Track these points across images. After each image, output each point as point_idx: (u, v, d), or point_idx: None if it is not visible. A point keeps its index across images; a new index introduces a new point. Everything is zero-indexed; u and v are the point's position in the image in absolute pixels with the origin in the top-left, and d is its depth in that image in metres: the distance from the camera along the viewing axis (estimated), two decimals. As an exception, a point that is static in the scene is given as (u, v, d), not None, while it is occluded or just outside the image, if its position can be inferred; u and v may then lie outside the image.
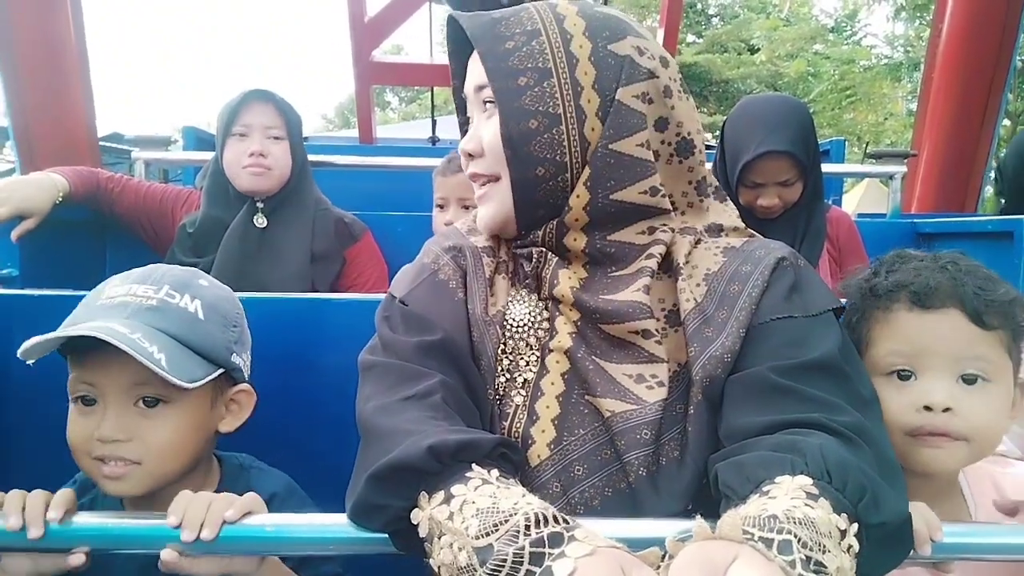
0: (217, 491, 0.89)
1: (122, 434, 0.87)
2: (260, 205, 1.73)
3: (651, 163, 0.81)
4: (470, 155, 0.86)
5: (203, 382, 0.88)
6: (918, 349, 0.85)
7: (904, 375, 0.86)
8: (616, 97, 0.80)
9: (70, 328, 0.85)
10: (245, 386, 0.99)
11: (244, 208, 1.72)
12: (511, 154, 0.80)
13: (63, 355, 0.91)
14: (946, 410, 0.82)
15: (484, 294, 0.84)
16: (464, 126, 0.92)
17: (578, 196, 0.80)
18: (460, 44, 0.89)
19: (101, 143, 3.14)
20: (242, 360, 0.98)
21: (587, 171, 0.80)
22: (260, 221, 1.72)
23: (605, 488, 0.75)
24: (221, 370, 0.92)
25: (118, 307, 0.89)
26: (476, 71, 0.84)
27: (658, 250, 0.82)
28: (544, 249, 0.84)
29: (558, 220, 0.82)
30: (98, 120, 3.12)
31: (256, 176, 1.70)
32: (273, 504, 0.84)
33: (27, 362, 0.85)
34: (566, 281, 0.82)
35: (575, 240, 0.82)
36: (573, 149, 0.80)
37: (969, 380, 0.84)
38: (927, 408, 0.83)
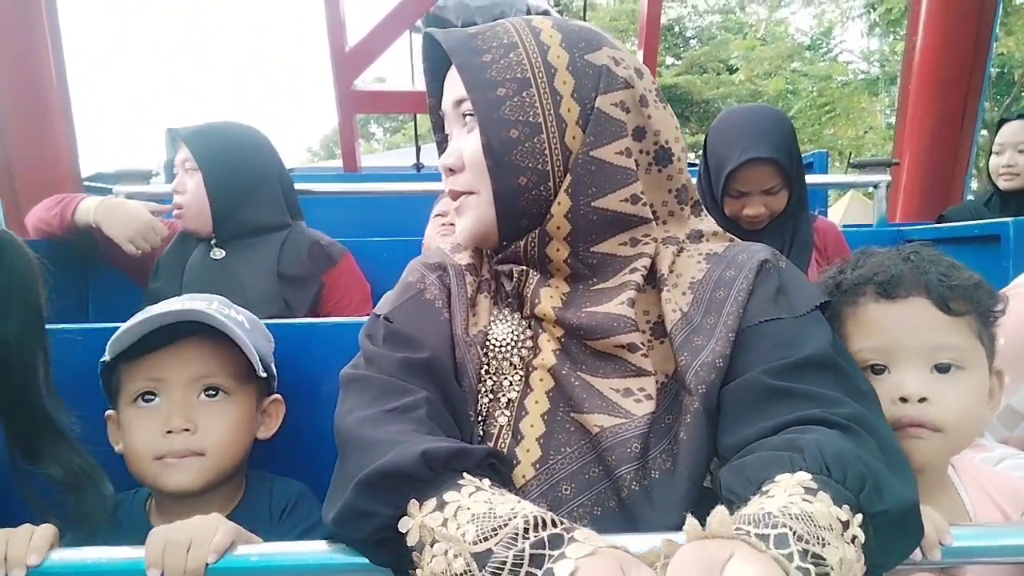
0: (243, 500, 1.03)
1: (188, 423, 0.96)
2: (213, 240, 1.68)
3: (632, 171, 0.81)
4: (451, 170, 0.86)
5: (264, 372, 1.01)
6: (888, 342, 0.85)
7: (878, 369, 0.86)
8: (596, 105, 0.80)
9: (174, 302, 1.00)
10: (277, 396, 1.09)
11: (201, 243, 1.69)
12: (492, 164, 0.80)
13: (109, 367, 1.00)
14: (922, 400, 0.82)
15: (465, 314, 0.84)
16: (442, 144, 0.91)
17: (559, 203, 0.80)
18: (437, 62, 0.89)
19: (86, 183, 3.11)
20: (275, 372, 1.09)
21: (568, 178, 0.80)
22: (217, 254, 1.67)
23: (594, 507, 0.74)
24: (265, 374, 1.03)
25: (177, 312, 0.99)
26: (454, 86, 0.84)
27: (642, 263, 0.82)
28: (525, 267, 0.84)
29: (540, 229, 0.81)
30: (84, 157, 3.12)
31: (179, 220, 1.69)
32: (289, 502, 1.02)
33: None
34: (548, 300, 0.82)
35: (557, 250, 0.82)
36: (555, 157, 0.80)
37: (942, 369, 0.84)
38: (903, 400, 0.83)
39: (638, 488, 0.74)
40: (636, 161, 0.82)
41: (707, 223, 0.89)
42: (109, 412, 1.03)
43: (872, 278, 0.87)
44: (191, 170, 1.67)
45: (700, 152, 1.84)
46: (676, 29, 20.34)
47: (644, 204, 0.82)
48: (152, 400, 0.98)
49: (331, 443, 0.74)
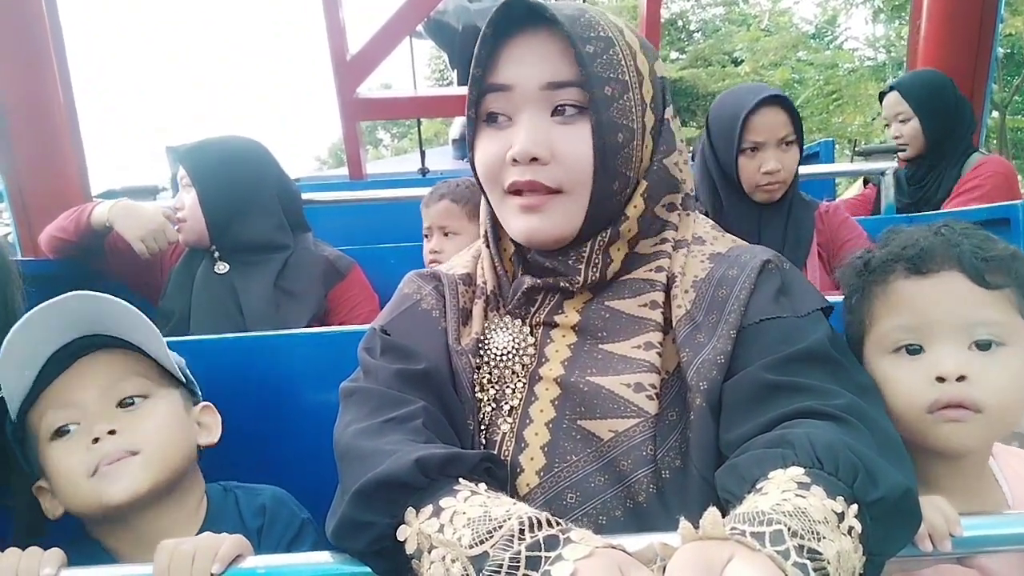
0: (207, 518, 0.95)
1: (115, 424, 0.89)
2: (216, 254, 1.71)
3: (681, 181, 0.85)
4: (534, 159, 0.78)
5: (178, 371, 0.98)
6: (922, 319, 0.80)
7: (912, 349, 0.81)
8: (664, 116, 0.82)
9: (70, 295, 0.89)
10: (206, 403, 1.04)
11: (205, 258, 1.71)
12: (600, 167, 0.77)
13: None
14: (961, 379, 0.77)
15: (457, 324, 0.84)
16: (473, 120, 0.83)
17: (635, 207, 0.81)
18: (498, 29, 0.80)
19: (96, 200, 3.14)
20: (193, 381, 1.04)
21: (644, 184, 0.81)
22: (221, 268, 1.70)
23: (599, 516, 0.73)
24: (182, 379, 1.00)
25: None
26: (547, 66, 0.78)
27: (664, 262, 0.83)
28: (562, 283, 0.82)
29: (613, 230, 0.81)
30: (97, 178, 3.14)
31: (179, 232, 1.72)
32: (264, 517, 0.94)
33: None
34: (570, 308, 0.83)
35: (619, 250, 0.83)
36: (636, 165, 0.80)
37: (982, 346, 0.78)
38: (940, 379, 0.78)
39: (655, 491, 0.74)
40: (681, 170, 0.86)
41: (704, 228, 0.91)
42: (36, 485, 0.94)
43: (901, 253, 0.83)
44: (187, 186, 1.71)
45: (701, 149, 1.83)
46: (679, 23, 20.28)
47: (677, 212, 0.86)
48: (69, 431, 0.90)
49: (327, 454, 0.75)
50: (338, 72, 3.33)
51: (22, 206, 2.91)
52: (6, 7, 2.56)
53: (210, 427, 1.03)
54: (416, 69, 4.18)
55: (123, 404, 0.93)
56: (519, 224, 0.81)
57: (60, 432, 0.90)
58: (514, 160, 0.78)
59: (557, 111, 0.79)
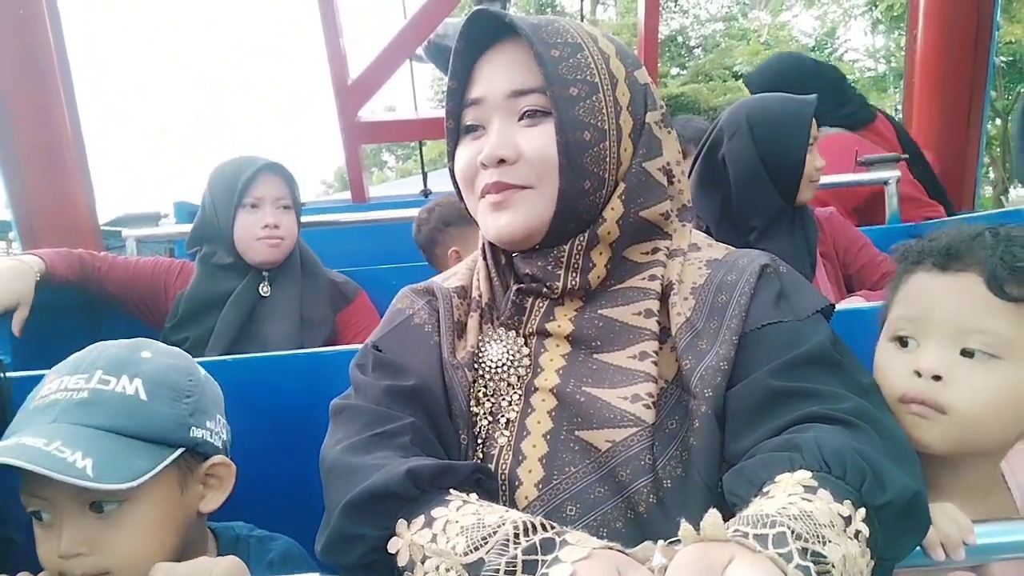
0: None
1: (82, 547, 0.80)
2: (266, 274, 1.73)
3: (666, 187, 0.85)
4: (502, 161, 0.81)
5: (151, 475, 0.80)
6: (921, 313, 0.81)
7: (904, 341, 0.83)
8: (646, 120, 0.83)
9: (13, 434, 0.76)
10: (219, 458, 0.92)
11: (249, 277, 1.72)
12: (566, 163, 0.78)
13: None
14: (937, 378, 0.78)
15: (452, 337, 0.84)
16: (454, 132, 0.87)
17: (613, 209, 0.81)
18: (470, 43, 0.85)
19: (105, 228, 3.17)
20: (207, 431, 0.90)
21: (622, 186, 0.81)
22: (265, 290, 1.72)
23: (600, 528, 0.72)
24: (179, 451, 0.85)
25: (47, 409, 0.82)
26: (513, 75, 0.82)
27: (658, 271, 0.83)
28: (544, 288, 0.83)
29: (591, 232, 0.81)
30: (108, 205, 3.17)
31: (272, 248, 1.72)
32: (269, 573, 0.85)
33: None
34: (562, 315, 0.82)
35: (600, 254, 0.82)
36: (611, 166, 0.81)
37: (968, 354, 0.78)
38: (917, 374, 0.79)
39: (655, 501, 0.73)
40: (667, 178, 0.86)
41: (701, 238, 0.91)
42: None
43: (933, 247, 0.83)
44: (286, 208, 1.76)
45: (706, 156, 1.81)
46: (679, 39, 20.43)
47: (670, 220, 0.86)
48: (43, 518, 0.83)
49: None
50: (339, 96, 3.36)
51: (32, 237, 2.94)
52: (19, 47, 2.62)
53: (223, 480, 0.93)
54: (418, 91, 4.22)
55: (97, 507, 0.82)
56: (490, 223, 0.83)
57: (38, 516, 0.84)
58: (483, 164, 0.82)
59: (524, 116, 0.81)
